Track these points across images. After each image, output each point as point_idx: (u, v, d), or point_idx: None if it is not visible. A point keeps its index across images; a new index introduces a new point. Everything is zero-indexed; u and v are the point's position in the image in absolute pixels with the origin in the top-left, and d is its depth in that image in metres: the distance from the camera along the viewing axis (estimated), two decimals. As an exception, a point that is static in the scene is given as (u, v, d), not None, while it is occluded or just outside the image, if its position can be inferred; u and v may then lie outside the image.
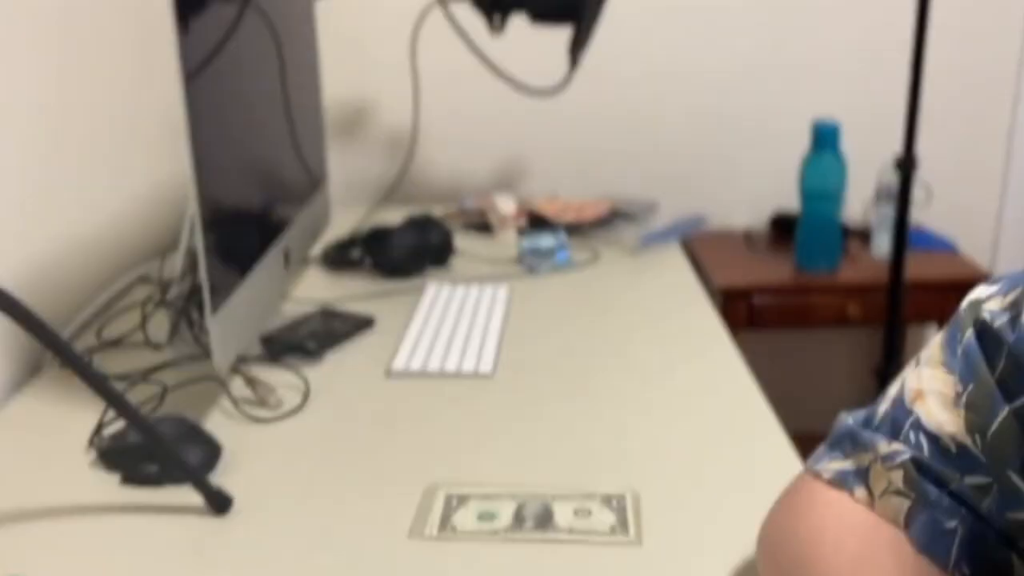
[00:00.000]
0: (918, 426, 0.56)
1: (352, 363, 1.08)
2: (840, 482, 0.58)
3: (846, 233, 1.85)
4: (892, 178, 1.73)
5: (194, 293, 1.13)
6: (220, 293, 0.90)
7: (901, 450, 0.56)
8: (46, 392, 1.01)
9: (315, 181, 1.37)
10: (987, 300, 0.56)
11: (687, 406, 0.97)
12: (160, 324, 1.14)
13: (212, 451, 0.85)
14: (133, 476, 0.83)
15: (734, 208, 1.97)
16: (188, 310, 1.12)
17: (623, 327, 1.18)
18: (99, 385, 0.73)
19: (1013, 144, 2.01)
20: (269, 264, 1.08)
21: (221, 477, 0.84)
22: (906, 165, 1.56)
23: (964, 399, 0.54)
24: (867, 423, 0.59)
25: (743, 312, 1.79)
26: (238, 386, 0.99)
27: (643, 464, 0.86)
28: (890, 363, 1.66)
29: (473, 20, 1.50)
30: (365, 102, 1.87)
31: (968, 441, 0.54)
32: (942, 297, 1.82)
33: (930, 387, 0.56)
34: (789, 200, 1.92)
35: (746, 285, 1.78)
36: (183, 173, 1.50)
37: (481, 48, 1.52)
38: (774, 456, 0.88)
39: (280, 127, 1.21)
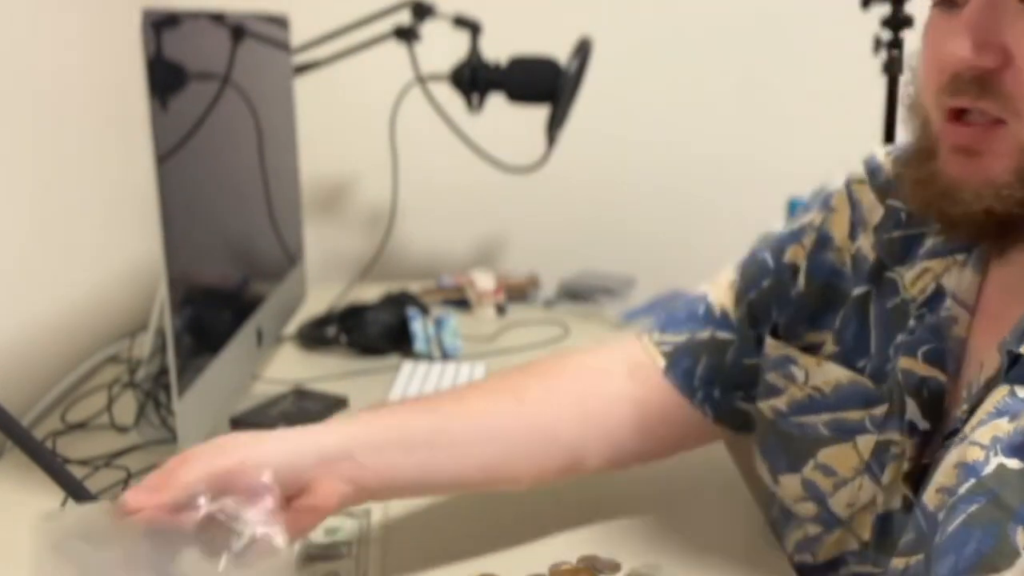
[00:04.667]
0: (705, 300, 0.86)
1: (324, 445, 1.06)
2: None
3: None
4: (868, 254, 1.74)
5: (162, 374, 1.10)
6: (188, 374, 0.88)
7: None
8: (8, 477, 0.97)
9: (291, 258, 1.36)
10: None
11: (668, 484, 0.95)
12: (128, 406, 1.11)
13: (174, 541, 0.81)
14: (91, 567, 0.80)
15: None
16: (156, 392, 1.09)
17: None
18: (56, 473, 0.70)
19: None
20: (240, 343, 1.06)
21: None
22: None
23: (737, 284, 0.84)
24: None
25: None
26: (205, 470, 0.96)
27: (624, 540, 0.83)
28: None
29: (452, 98, 1.51)
30: (343, 179, 1.87)
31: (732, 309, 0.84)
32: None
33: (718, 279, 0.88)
34: (767, 276, 1.93)
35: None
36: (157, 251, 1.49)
37: (460, 126, 1.53)
38: (751, 540, 0.86)
39: (257, 204, 1.20)
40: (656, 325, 0.87)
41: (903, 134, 1.80)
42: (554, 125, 1.47)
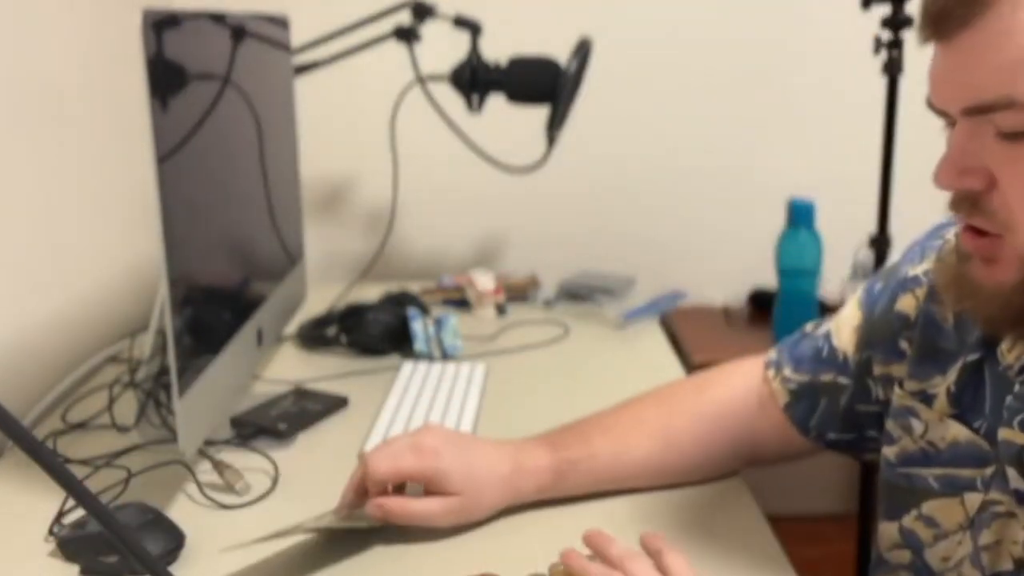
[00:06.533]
0: (828, 341, 0.89)
1: (324, 445, 1.06)
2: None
3: (824, 309, 1.84)
4: (867, 256, 1.74)
5: (163, 374, 1.10)
6: (189, 374, 0.88)
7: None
8: (8, 477, 0.97)
9: (292, 258, 1.36)
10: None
11: (669, 484, 0.95)
12: (128, 406, 1.12)
13: (175, 540, 0.82)
14: (92, 567, 0.80)
15: (712, 284, 1.97)
16: (156, 391, 1.09)
17: (602, 405, 1.16)
18: (56, 472, 0.70)
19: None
20: (241, 343, 1.06)
21: (183, 568, 0.81)
22: (879, 244, 1.57)
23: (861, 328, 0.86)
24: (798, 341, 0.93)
25: (723, 389, 1.77)
26: (205, 470, 0.97)
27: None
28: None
29: (452, 99, 1.51)
30: (344, 179, 1.87)
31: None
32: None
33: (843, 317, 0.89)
34: (767, 276, 1.93)
35: (726, 361, 1.76)
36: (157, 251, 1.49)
37: (460, 126, 1.53)
38: (750, 535, 0.86)
39: (257, 204, 1.20)
40: (785, 359, 0.93)
41: (903, 134, 1.79)
42: (554, 125, 1.47)
